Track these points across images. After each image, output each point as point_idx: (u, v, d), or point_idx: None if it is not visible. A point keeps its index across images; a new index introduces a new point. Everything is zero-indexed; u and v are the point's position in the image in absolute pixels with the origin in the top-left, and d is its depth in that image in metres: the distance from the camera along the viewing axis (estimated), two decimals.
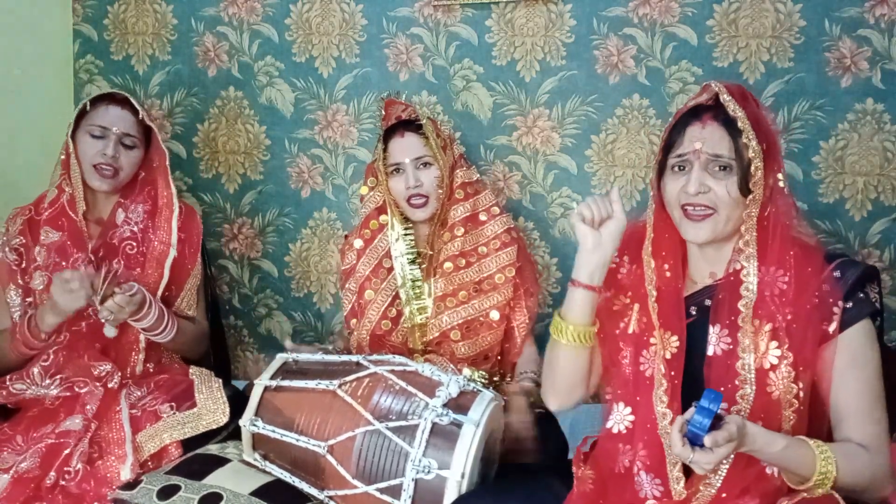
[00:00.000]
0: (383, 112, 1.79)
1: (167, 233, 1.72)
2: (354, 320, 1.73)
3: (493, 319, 1.64)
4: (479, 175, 1.78)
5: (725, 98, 1.20)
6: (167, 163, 1.74)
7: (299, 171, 2.21)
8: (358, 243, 1.74)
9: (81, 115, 1.70)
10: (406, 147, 1.66)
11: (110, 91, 1.75)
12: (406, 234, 1.70)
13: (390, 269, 1.70)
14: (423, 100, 2.10)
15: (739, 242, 1.20)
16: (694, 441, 1.01)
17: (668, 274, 1.27)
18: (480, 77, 2.06)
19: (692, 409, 1.03)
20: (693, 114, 1.25)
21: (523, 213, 2.07)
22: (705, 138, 1.21)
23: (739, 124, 1.18)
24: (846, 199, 1.90)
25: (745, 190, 1.19)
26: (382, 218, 1.73)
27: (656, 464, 1.18)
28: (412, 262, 1.69)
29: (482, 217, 1.69)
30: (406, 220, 1.72)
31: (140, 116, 1.71)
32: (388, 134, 1.69)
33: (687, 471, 1.15)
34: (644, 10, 1.95)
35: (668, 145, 1.27)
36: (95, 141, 1.67)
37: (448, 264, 1.65)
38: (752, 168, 1.17)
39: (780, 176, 1.20)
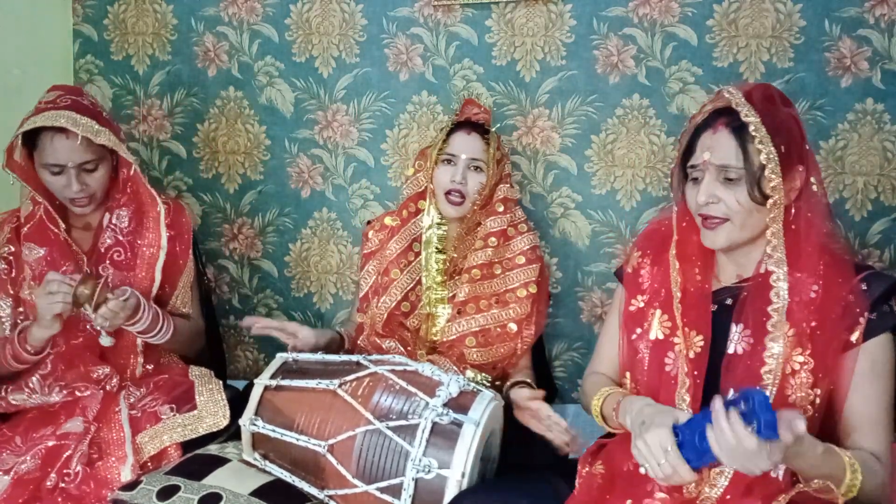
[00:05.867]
0: (459, 106, 1.85)
1: (156, 235, 1.67)
2: (367, 304, 1.74)
3: (511, 331, 1.67)
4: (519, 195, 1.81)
5: (737, 102, 1.19)
6: (133, 170, 1.64)
7: (299, 171, 2.21)
8: (393, 221, 1.78)
9: (30, 144, 1.58)
10: (468, 144, 1.70)
11: (43, 124, 1.54)
12: (440, 224, 1.74)
13: (418, 254, 1.74)
14: (423, 100, 2.10)
15: (767, 248, 1.19)
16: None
17: (698, 277, 1.28)
18: (480, 77, 2.06)
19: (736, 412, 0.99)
20: (710, 118, 1.24)
21: (523, 211, 2.07)
22: (713, 147, 1.21)
23: (751, 129, 1.16)
24: (846, 199, 1.90)
25: (759, 196, 1.18)
26: (421, 203, 1.76)
27: None
28: (439, 251, 1.74)
29: (511, 232, 1.73)
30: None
31: (79, 141, 1.55)
32: (455, 127, 1.74)
33: None
34: (644, 10, 1.95)
35: (687, 151, 1.28)
36: (57, 177, 1.59)
37: (476, 272, 1.69)
38: (767, 173, 1.16)
39: (812, 179, 1.18)
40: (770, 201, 1.17)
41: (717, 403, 0.99)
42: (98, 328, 1.53)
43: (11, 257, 1.63)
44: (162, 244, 1.67)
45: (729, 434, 0.96)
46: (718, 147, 1.20)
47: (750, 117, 1.17)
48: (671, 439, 1.07)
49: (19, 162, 1.61)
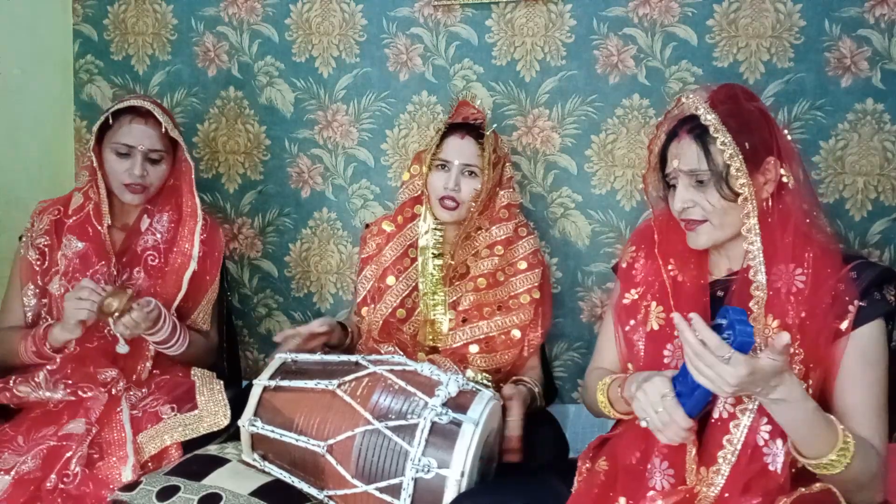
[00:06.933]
0: (453, 107, 1.83)
1: (190, 245, 1.70)
2: (366, 308, 1.73)
3: (515, 337, 1.66)
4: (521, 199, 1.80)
5: (696, 106, 1.21)
6: (192, 175, 1.72)
7: (299, 171, 2.21)
8: (390, 226, 1.76)
9: (103, 128, 1.66)
10: (461, 149, 1.67)
11: (132, 104, 1.67)
12: (436, 230, 1.72)
13: (414, 260, 1.73)
14: (423, 100, 2.10)
15: (745, 243, 1.20)
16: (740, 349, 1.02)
17: (693, 273, 1.30)
18: (480, 77, 2.06)
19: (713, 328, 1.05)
20: (677, 125, 1.28)
21: (523, 212, 2.07)
22: (680, 155, 1.24)
23: (711, 131, 1.18)
24: (846, 199, 1.90)
25: (730, 194, 1.20)
26: (417, 208, 1.75)
27: (674, 452, 1.18)
28: (437, 256, 1.72)
29: (513, 237, 1.72)
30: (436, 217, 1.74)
31: (164, 130, 1.67)
32: (449, 131, 1.70)
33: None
34: (644, 10, 1.95)
35: (663, 158, 1.31)
36: (121, 159, 1.65)
37: (482, 280, 1.67)
38: (733, 171, 1.17)
39: (782, 171, 1.19)
40: (740, 198, 1.18)
41: (688, 318, 1.05)
42: (118, 335, 1.55)
43: (46, 249, 1.67)
44: (193, 254, 1.70)
45: (693, 339, 1.03)
46: (683, 154, 1.24)
47: (709, 119, 1.19)
48: (668, 386, 1.12)
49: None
